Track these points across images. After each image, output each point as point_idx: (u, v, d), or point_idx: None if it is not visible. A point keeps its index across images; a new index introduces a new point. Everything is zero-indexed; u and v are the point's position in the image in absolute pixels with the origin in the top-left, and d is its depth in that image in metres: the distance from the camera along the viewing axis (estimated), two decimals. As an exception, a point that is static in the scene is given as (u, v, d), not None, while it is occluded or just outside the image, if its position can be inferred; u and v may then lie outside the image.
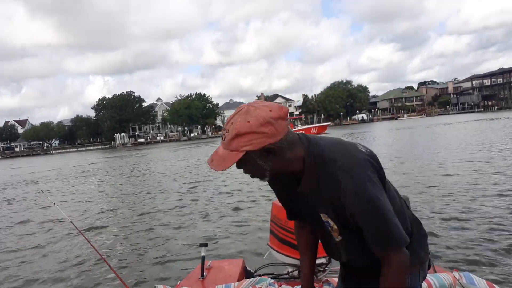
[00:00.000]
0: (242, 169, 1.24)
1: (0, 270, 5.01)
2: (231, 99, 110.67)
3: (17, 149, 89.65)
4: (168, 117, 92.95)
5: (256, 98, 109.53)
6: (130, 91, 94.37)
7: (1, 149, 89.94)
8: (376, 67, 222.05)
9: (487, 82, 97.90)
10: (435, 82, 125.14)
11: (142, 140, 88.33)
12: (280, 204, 1.56)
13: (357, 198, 1.18)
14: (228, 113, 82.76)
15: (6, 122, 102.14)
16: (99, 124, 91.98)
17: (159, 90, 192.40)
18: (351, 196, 1.18)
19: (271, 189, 1.46)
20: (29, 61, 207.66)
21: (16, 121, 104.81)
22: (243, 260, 2.62)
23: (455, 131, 25.36)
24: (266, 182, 1.35)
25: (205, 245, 2.48)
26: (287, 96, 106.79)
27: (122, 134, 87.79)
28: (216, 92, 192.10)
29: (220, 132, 63.76)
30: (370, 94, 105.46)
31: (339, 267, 1.56)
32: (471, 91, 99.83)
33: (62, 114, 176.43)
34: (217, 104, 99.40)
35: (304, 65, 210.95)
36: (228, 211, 7.20)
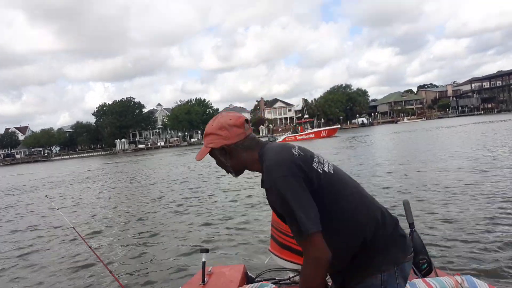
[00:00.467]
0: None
1: None
2: (231, 104, 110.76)
3: (17, 156, 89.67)
4: (168, 122, 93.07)
5: (256, 102, 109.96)
6: (130, 97, 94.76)
7: (2, 156, 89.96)
8: (376, 71, 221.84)
9: (486, 84, 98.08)
10: (435, 85, 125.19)
11: (143, 145, 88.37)
12: None
13: (271, 193, 1.37)
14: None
15: (7, 129, 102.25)
16: (99, 130, 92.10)
17: (159, 95, 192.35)
18: (268, 191, 1.38)
19: None
20: (29, 68, 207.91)
21: (17, 128, 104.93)
22: (244, 265, 2.62)
23: (456, 133, 25.36)
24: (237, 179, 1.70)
25: (206, 250, 2.48)
26: (286, 100, 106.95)
27: (123, 140, 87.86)
28: (216, 97, 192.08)
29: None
30: (370, 98, 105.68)
31: None
32: (470, 94, 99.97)
33: (63, 120, 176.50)
34: (217, 109, 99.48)
35: (303, 70, 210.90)
36: (228, 216, 7.19)
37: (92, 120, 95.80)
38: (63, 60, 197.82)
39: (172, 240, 5.88)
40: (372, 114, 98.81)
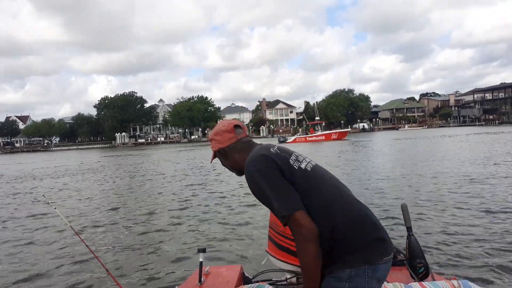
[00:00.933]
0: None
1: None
2: (232, 103, 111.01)
3: (17, 145, 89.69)
4: (169, 118, 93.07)
5: (258, 103, 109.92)
6: (133, 91, 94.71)
7: (1, 144, 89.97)
8: (379, 77, 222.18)
9: (488, 96, 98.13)
10: (437, 94, 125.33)
11: (143, 140, 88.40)
12: None
13: (250, 184, 1.58)
14: (229, 117, 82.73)
15: (8, 118, 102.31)
16: (100, 123, 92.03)
17: (162, 91, 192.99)
18: (248, 184, 1.60)
19: None
20: (33, 58, 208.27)
21: (18, 117, 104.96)
22: (241, 266, 2.61)
23: (457, 143, 25.35)
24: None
25: (203, 250, 2.46)
26: (288, 102, 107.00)
27: (123, 133, 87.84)
28: (218, 96, 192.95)
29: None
30: (372, 104, 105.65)
31: None
32: (472, 104, 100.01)
33: (64, 111, 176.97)
34: (219, 108, 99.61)
35: (306, 72, 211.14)
36: (226, 216, 7.17)
37: (94, 112, 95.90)
38: (68, 52, 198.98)
39: (169, 239, 5.84)
40: (373, 119, 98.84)
